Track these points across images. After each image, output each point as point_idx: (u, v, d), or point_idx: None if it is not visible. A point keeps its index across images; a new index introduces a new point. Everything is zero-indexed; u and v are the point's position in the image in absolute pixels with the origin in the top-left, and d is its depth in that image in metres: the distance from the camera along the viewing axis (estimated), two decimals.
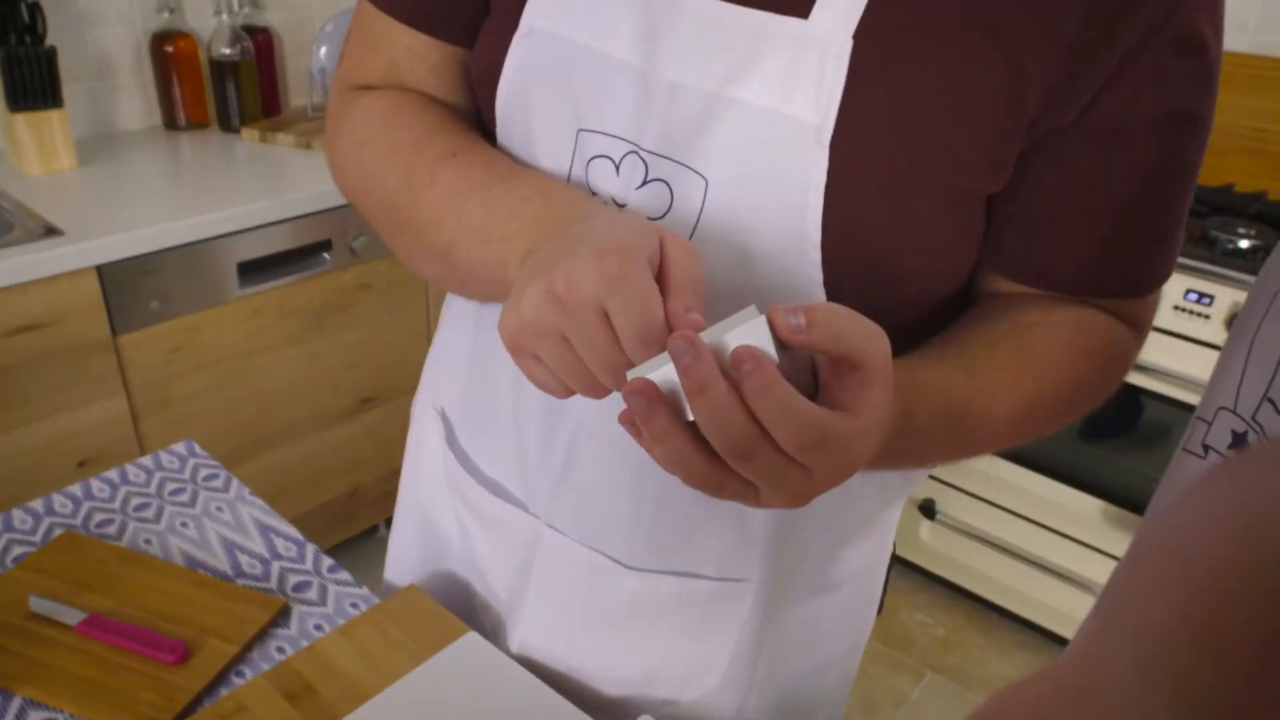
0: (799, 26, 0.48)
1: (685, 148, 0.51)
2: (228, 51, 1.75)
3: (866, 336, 0.40)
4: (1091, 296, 0.56)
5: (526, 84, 0.55)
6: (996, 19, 0.47)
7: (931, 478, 1.87)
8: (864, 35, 0.47)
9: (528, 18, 0.54)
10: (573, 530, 0.64)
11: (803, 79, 0.48)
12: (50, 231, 1.32)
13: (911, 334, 0.54)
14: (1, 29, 1.42)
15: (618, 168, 0.54)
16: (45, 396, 1.33)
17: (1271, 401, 0.43)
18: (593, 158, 0.54)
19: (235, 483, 0.88)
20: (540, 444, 0.63)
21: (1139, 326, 0.60)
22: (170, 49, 1.72)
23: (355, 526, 1.89)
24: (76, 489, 0.85)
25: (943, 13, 0.47)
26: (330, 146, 0.64)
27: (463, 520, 0.73)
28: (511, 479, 0.67)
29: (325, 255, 1.60)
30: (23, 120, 1.46)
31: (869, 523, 0.67)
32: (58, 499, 0.84)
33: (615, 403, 0.41)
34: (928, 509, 1.89)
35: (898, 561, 2.00)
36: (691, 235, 0.52)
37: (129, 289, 1.38)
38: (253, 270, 1.51)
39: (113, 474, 0.88)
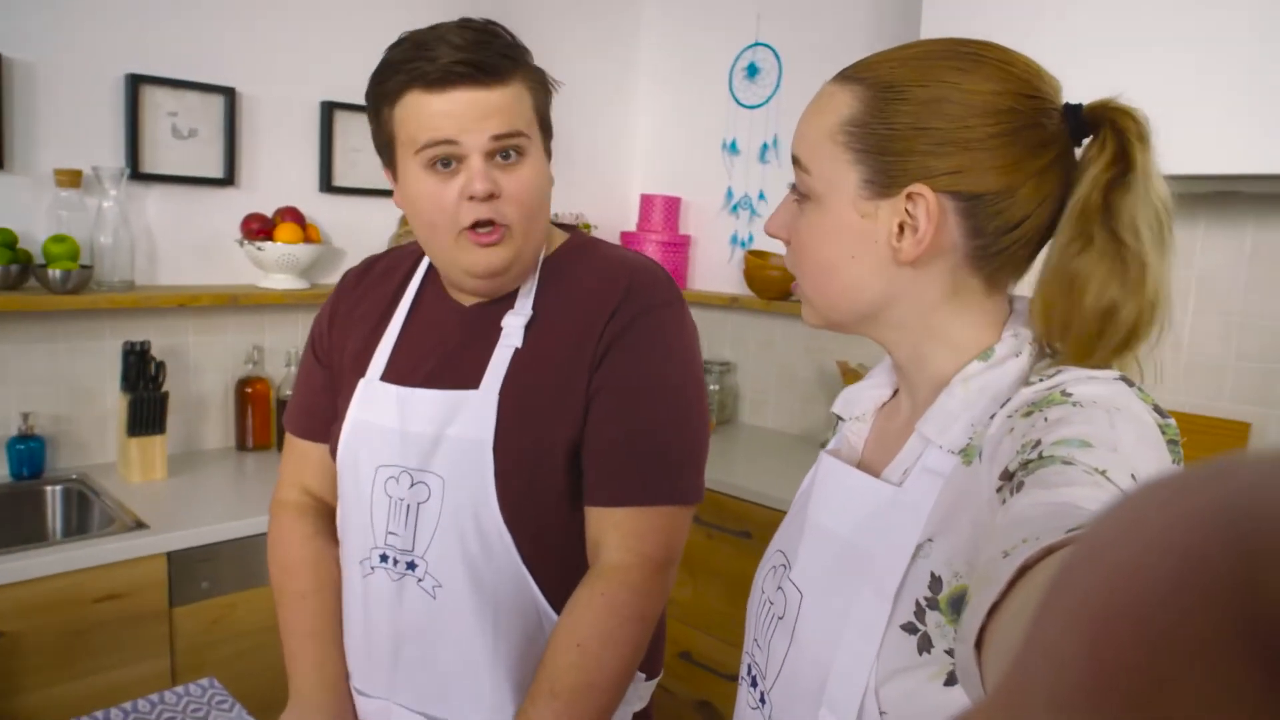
0: (475, 393, 1.02)
1: (430, 463, 1.03)
2: (290, 393, 2.29)
3: None
4: (604, 505, 1.02)
5: (349, 446, 1.09)
6: (574, 349, 1.02)
7: None
8: (504, 390, 1.01)
9: (349, 416, 1.10)
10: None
11: (482, 417, 1.01)
12: (139, 525, 1.77)
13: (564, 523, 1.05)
14: (135, 378, 1.98)
15: (397, 480, 1.03)
16: (107, 653, 1.70)
17: None
18: (388, 478, 1.04)
19: (239, 708, 1.23)
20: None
21: (647, 560, 1.00)
22: (249, 390, 2.28)
23: None
24: (127, 705, 1.21)
25: (547, 370, 1.02)
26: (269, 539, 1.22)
27: None
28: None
29: None
30: (135, 444, 1.98)
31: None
32: (114, 712, 1.19)
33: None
34: None
35: None
36: (441, 507, 1.01)
37: (188, 571, 1.79)
38: None
39: (154, 696, 1.24)
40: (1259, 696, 0.13)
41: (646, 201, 3.05)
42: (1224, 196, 2.02)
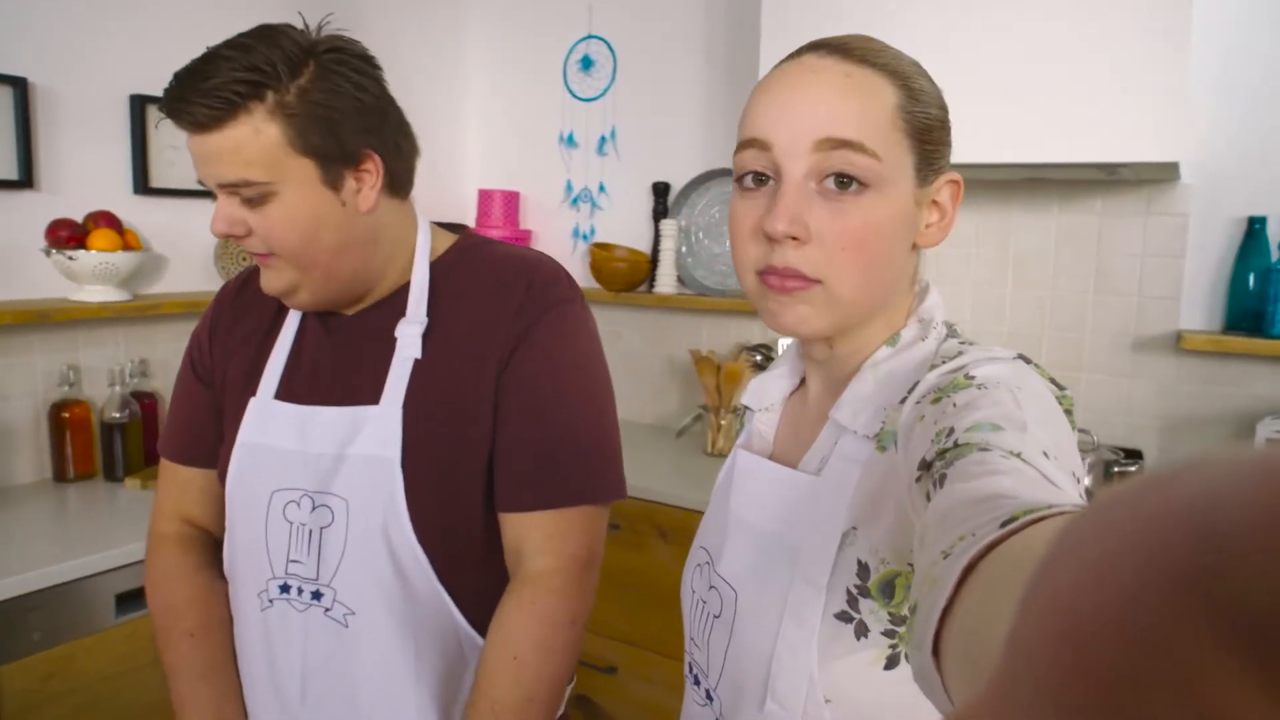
0: (376, 408, 0.98)
1: (331, 485, 0.98)
2: (117, 415, 2.09)
3: None
4: (518, 509, 0.99)
5: (241, 470, 1.03)
6: (479, 353, 0.99)
7: None
8: (408, 403, 0.97)
9: (239, 438, 1.03)
10: None
11: (386, 434, 0.97)
12: None
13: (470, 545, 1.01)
14: None
15: (297, 504, 0.98)
16: None
17: None
18: (286, 503, 0.99)
19: None
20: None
21: (572, 561, 0.99)
22: (66, 415, 2.05)
23: None
24: None
25: (452, 378, 0.99)
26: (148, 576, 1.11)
27: None
28: None
29: None
30: None
31: None
32: None
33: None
34: None
35: None
36: (347, 530, 0.96)
37: (15, 623, 1.59)
38: (129, 599, 1.74)
39: None
40: (1224, 684, 0.14)
41: (485, 197, 2.99)
42: (1033, 183, 2.22)
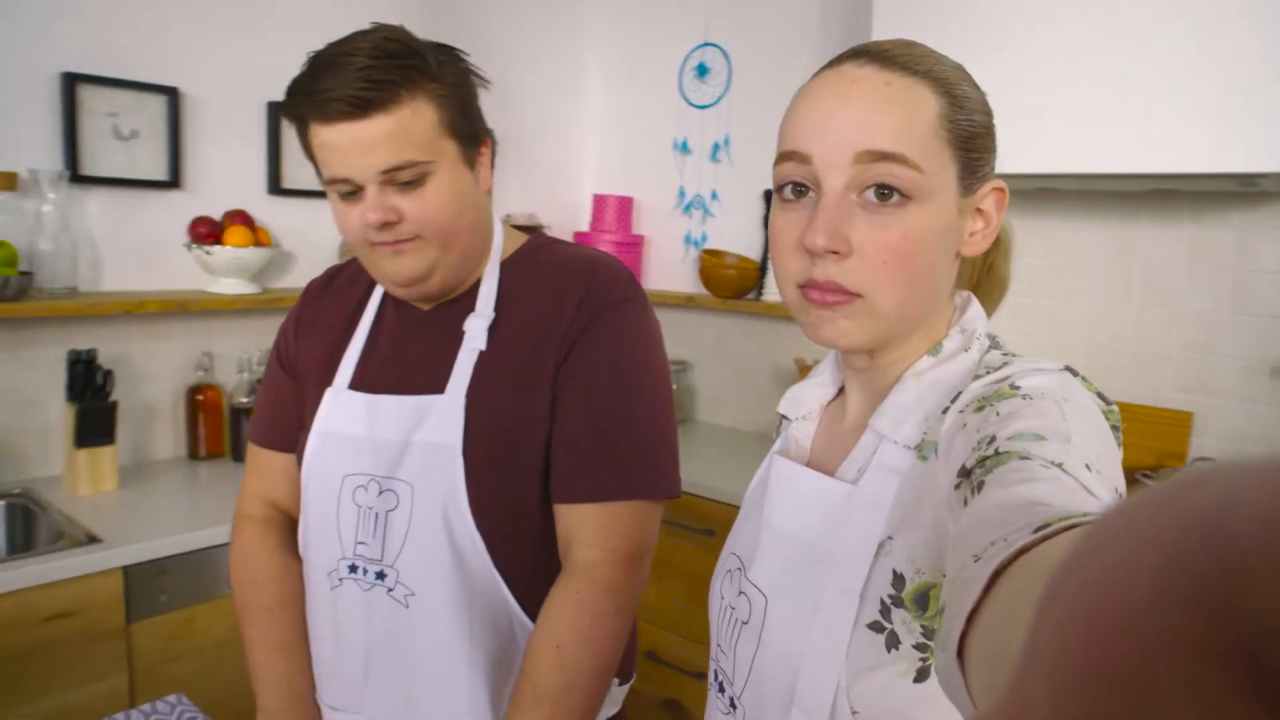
0: (441, 397, 1.02)
1: (397, 470, 1.02)
2: (245, 400, 2.24)
3: None
4: (569, 501, 1.01)
5: (316, 455, 1.08)
6: (540, 347, 1.02)
7: None
8: (470, 393, 1.02)
9: (315, 426, 1.09)
10: None
11: (449, 422, 1.01)
12: (92, 539, 1.71)
13: (531, 526, 1.05)
14: (81, 388, 1.91)
15: (365, 488, 1.02)
16: (59, 674, 1.64)
17: None
18: (355, 487, 1.03)
19: None
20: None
21: (617, 554, 1.00)
22: (201, 398, 2.22)
23: None
24: None
25: (512, 371, 1.02)
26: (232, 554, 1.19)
27: None
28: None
29: None
30: (83, 455, 1.91)
31: None
32: None
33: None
34: None
35: None
36: (411, 514, 1.00)
37: (145, 585, 1.73)
38: None
39: (119, 716, 1.20)
40: (1225, 691, 0.14)
41: (599, 202, 3.05)
42: (1162, 194, 2.09)
